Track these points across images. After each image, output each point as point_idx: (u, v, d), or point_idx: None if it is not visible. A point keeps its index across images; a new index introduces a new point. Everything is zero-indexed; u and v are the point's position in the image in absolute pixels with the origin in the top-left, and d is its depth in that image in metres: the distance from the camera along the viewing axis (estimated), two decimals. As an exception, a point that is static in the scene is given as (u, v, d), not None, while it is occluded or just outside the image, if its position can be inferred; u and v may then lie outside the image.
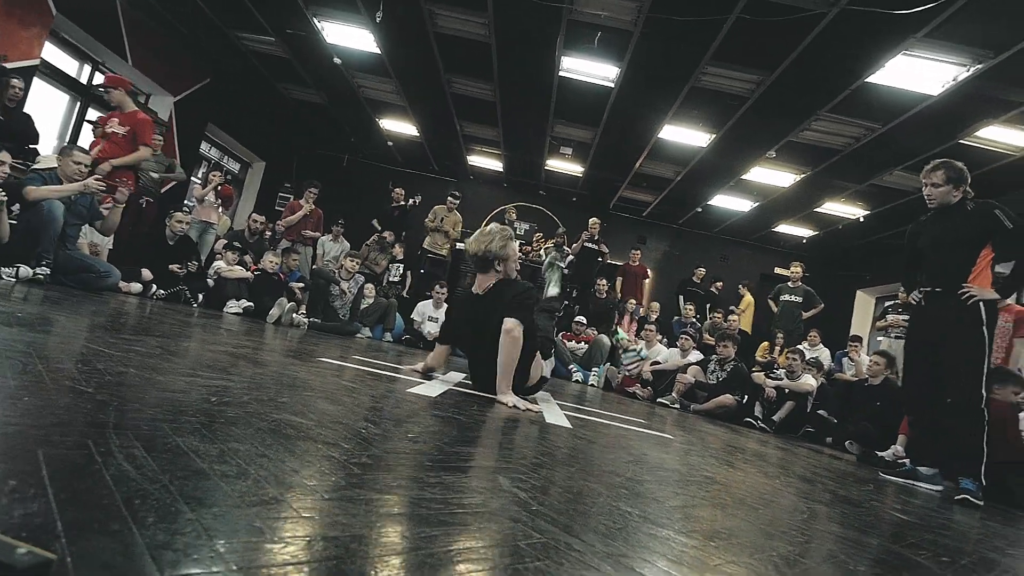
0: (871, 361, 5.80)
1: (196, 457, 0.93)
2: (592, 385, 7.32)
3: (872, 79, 6.03)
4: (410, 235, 10.16)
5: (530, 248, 10.09)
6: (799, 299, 8.40)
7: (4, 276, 3.84)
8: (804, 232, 11.51)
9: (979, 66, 5.41)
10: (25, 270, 3.98)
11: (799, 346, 7.02)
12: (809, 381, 6.20)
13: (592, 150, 9.75)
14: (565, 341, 7.84)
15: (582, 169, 10.89)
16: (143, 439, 0.96)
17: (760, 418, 6.07)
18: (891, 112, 6.59)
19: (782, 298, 8.51)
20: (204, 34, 8.39)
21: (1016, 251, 3.31)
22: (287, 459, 1.05)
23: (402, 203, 9.80)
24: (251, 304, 6.18)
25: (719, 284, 10.55)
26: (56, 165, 4.51)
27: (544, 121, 8.96)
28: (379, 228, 9.36)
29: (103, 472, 0.77)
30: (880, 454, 4.81)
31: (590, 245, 9.27)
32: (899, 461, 4.40)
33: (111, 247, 5.98)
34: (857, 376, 6.70)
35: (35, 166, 4.62)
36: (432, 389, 2.74)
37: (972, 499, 2.94)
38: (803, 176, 8.81)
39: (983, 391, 3.19)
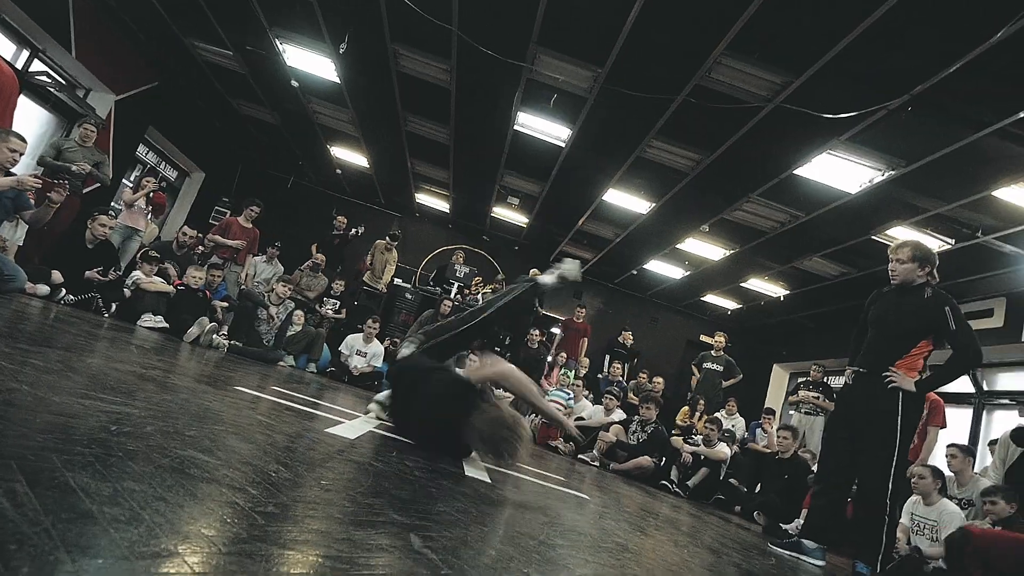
0: (779, 436, 6.07)
1: (85, 497, 0.86)
2: (516, 435, 7.29)
3: (799, 171, 6.53)
4: (347, 266, 10.00)
5: (468, 291, 10.10)
6: (720, 367, 8.76)
7: None
8: (730, 304, 12.10)
9: (892, 172, 5.98)
10: (-85, 261, 3.64)
11: (716, 415, 7.28)
12: (724, 449, 6.41)
13: (539, 203, 9.99)
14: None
15: (527, 220, 11.12)
16: (28, 471, 0.88)
17: (675, 482, 6.19)
18: (814, 203, 7.13)
19: (704, 366, 8.85)
20: (157, 37, 8.16)
21: (952, 353, 3.33)
22: (187, 504, 0.99)
23: (343, 231, 9.65)
24: (167, 325, 5.86)
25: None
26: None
27: (495, 170, 9.15)
28: (314, 251, 9.19)
29: (-24, 510, 0.71)
30: (784, 527, 5.00)
31: (528, 295, 9.38)
32: (788, 532, 4.57)
33: (20, 243, 5.56)
34: (769, 448, 6.98)
35: None
36: (352, 431, 2.66)
37: None
38: (732, 252, 9.32)
39: (888, 483, 3.20)
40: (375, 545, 1.10)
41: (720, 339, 8.90)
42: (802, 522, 4.72)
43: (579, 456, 6.47)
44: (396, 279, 9.69)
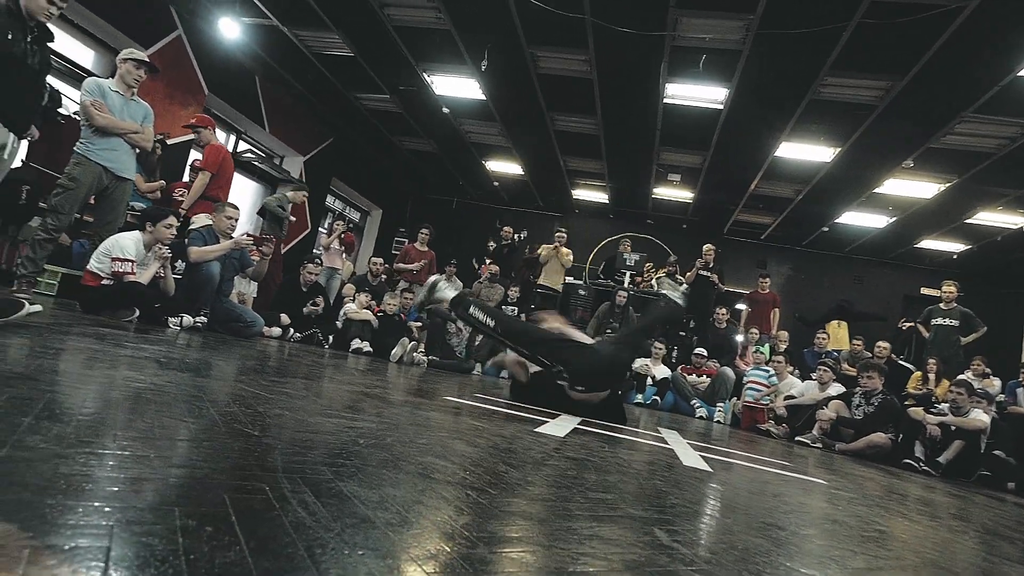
0: (1054, 393, 4.98)
1: (360, 503, 0.93)
2: (718, 421, 6.89)
3: (1028, 72, 5.37)
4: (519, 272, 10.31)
5: (641, 279, 9.83)
6: (955, 323, 7.41)
7: (171, 325, 4.32)
8: (954, 247, 10.32)
9: None
10: (188, 319, 4.45)
11: (963, 376, 6.19)
12: (980, 417, 5.40)
13: (702, 175, 9.44)
14: (685, 375, 7.47)
15: (692, 195, 10.57)
16: (310, 484, 0.98)
17: (923, 459, 5.36)
18: (1056, 106, 5.81)
19: (934, 322, 7.56)
20: (328, 99, 9.20)
21: None
22: (442, 506, 1.04)
23: (511, 240, 9.97)
24: (371, 350, 6.50)
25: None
26: (210, 222, 5.04)
27: (650, 149, 8.83)
28: (476, 266, 9.62)
29: (283, 519, 0.80)
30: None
31: (704, 273, 8.86)
32: None
33: (255, 295, 6.58)
34: (1038, 409, 5.77)
35: (192, 226, 5.14)
36: (559, 429, 2.69)
37: None
38: (948, 185, 7.95)
39: None
40: (623, 540, 1.06)
41: (950, 289, 7.53)
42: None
43: (796, 438, 5.90)
44: (568, 277, 9.73)
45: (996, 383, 6.74)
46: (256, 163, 9.37)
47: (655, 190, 10.71)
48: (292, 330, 6.26)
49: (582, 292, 9.62)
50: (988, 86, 5.72)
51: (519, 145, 9.78)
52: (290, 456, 1.17)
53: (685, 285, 8.99)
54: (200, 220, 5.13)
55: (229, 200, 5.41)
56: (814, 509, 2.00)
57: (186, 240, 4.80)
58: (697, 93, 6.98)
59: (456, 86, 7.95)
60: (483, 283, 9.18)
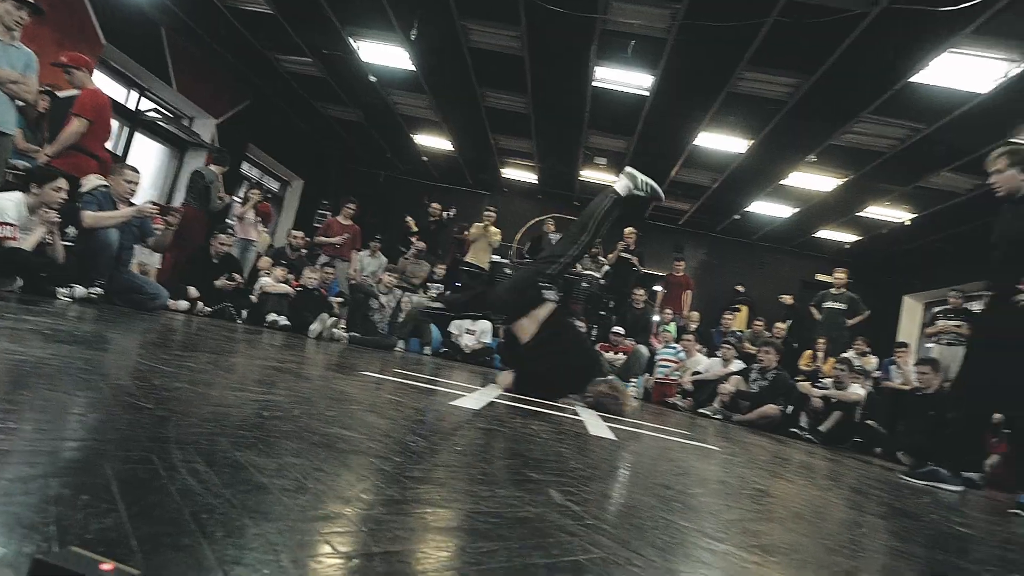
0: (918, 371, 5.60)
1: (256, 471, 0.93)
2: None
3: (917, 79, 5.86)
4: (446, 249, 10.25)
5: (564, 259, 10.00)
6: (843, 306, 8.12)
7: (61, 296, 4.00)
8: (847, 237, 11.19)
9: (1033, 60, 5.21)
10: (80, 290, 4.14)
11: (846, 355, 6.80)
12: (857, 390, 5.99)
13: (627, 160, 9.68)
14: (603, 352, 7.76)
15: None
16: (204, 454, 0.97)
17: (806, 428, 5.89)
18: (937, 112, 6.39)
19: (825, 305, 8.25)
20: (244, 58, 8.67)
21: None
22: (342, 473, 1.06)
23: (439, 217, 9.89)
24: (288, 323, 6.30)
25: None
26: (106, 184, 4.64)
27: (578, 132, 8.96)
28: (412, 228, 9.49)
29: (169, 486, 0.79)
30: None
31: (625, 255, 9.18)
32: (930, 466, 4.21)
33: (159, 266, 6.19)
34: (906, 384, 6.45)
35: (84, 188, 4.70)
36: (474, 402, 2.74)
37: None
38: (845, 180, 8.59)
39: None
40: (520, 500, 1.12)
41: (840, 276, 8.23)
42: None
43: (699, 410, 6.30)
44: (494, 255, 9.78)
45: (873, 361, 7.44)
46: (161, 123, 8.73)
47: (582, 173, 10.90)
48: (201, 303, 5.96)
49: (508, 271, 9.71)
50: (883, 90, 6.20)
51: (449, 120, 9.65)
52: (186, 428, 1.14)
53: (607, 266, 9.27)
54: (91, 182, 4.66)
55: (128, 162, 5.01)
56: (704, 472, 2.16)
57: (78, 204, 4.43)
58: (624, 78, 7.14)
59: (384, 54, 7.71)
60: (409, 260, 9.07)
